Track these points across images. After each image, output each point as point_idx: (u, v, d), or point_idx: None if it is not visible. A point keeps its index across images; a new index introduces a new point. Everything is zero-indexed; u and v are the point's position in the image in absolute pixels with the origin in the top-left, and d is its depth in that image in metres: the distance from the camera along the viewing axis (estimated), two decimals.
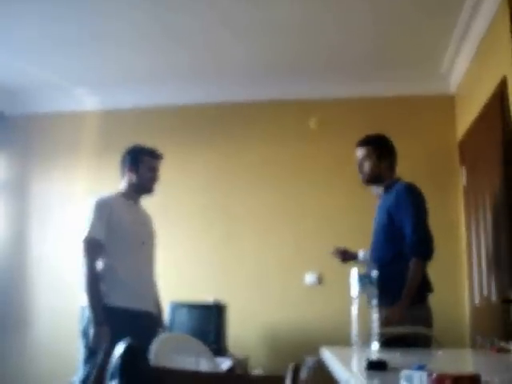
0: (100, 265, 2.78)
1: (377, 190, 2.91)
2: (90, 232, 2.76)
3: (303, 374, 1.12)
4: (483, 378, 1.00)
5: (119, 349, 1.51)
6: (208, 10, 3.37)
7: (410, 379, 0.95)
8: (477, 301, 3.47)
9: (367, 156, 2.83)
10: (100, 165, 4.45)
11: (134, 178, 2.96)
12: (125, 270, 2.78)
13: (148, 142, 4.38)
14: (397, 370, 1.26)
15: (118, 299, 2.71)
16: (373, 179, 2.85)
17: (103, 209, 2.82)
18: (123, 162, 3.01)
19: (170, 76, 4.28)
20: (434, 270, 3.88)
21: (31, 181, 4.61)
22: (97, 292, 2.68)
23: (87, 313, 2.67)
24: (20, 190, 4.59)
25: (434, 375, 0.90)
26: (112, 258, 2.79)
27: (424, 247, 2.63)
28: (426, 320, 2.61)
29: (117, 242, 2.80)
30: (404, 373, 0.97)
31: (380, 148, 2.85)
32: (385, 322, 2.29)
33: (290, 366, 1.26)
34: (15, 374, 4.14)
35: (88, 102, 4.58)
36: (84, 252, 2.74)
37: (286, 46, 3.82)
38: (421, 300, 2.67)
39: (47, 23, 3.52)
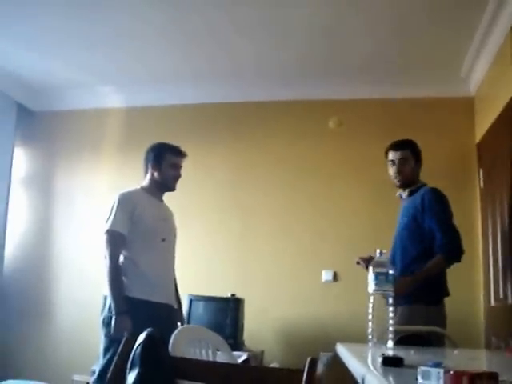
0: (122, 258, 2.84)
1: (402, 193, 2.95)
2: (113, 225, 2.82)
3: (319, 369, 1.14)
4: (501, 377, 1.03)
5: (140, 338, 1.56)
6: (229, 11, 3.42)
7: (427, 375, 0.97)
8: (492, 302, 3.48)
9: (406, 159, 2.92)
10: (123, 160, 4.55)
11: (156, 174, 3.00)
12: (145, 265, 2.83)
13: (169, 138, 4.45)
14: (412, 366, 1.30)
15: (139, 291, 2.77)
16: (408, 182, 2.94)
17: (126, 203, 2.88)
18: (147, 158, 3.05)
19: (192, 75, 4.34)
20: (450, 271, 3.90)
21: (55, 175, 4.72)
22: (118, 283, 2.74)
23: (109, 302, 2.74)
24: (45, 184, 4.71)
25: (452, 372, 0.93)
26: (133, 252, 2.85)
27: (454, 247, 2.69)
28: (440, 322, 2.64)
29: (138, 237, 2.85)
30: (421, 369, 1.00)
31: (416, 152, 2.96)
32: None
33: (308, 360, 1.30)
34: (37, 362, 4.24)
35: (112, 99, 4.67)
36: (107, 244, 2.81)
37: (309, 47, 3.85)
38: (437, 302, 2.71)
39: (73, 23, 3.60)
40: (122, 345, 1.65)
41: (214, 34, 3.71)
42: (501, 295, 3.28)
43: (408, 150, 2.92)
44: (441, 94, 4.09)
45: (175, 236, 3.08)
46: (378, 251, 2.11)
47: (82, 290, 4.30)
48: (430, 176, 3.99)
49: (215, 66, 4.20)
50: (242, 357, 3.35)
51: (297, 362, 2.70)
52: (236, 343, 3.51)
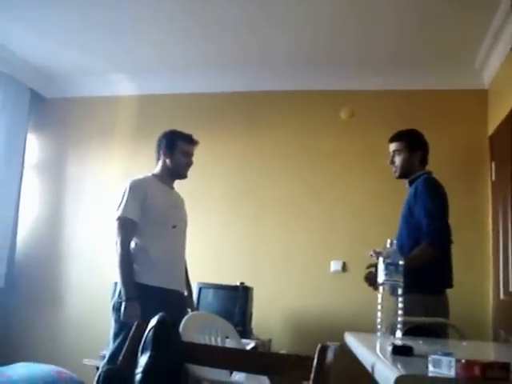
0: (132, 244, 2.86)
1: (406, 184, 2.95)
2: (124, 211, 2.84)
3: (329, 357, 1.15)
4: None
5: (152, 322, 1.58)
6: (242, 0, 3.40)
7: (438, 364, 0.99)
8: (502, 295, 3.48)
9: (399, 150, 2.91)
10: (134, 148, 4.58)
11: (168, 161, 3.02)
12: (156, 251, 2.85)
13: (180, 127, 4.47)
14: (422, 355, 1.32)
15: (150, 278, 2.79)
16: (404, 173, 2.92)
17: (138, 190, 2.89)
18: (159, 145, 3.07)
19: (204, 64, 4.33)
20: (460, 263, 3.90)
21: (67, 162, 4.75)
22: (129, 269, 2.76)
23: (119, 289, 2.77)
24: (56, 171, 4.74)
25: (463, 361, 0.94)
26: (144, 239, 2.87)
27: (438, 237, 2.64)
28: (441, 312, 2.63)
29: (149, 224, 2.87)
30: (432, 357, 1.01)
31: (411, 142, 2.91)
32: (370, 280, 2.66)
33: (318, 347, 1.32)
34: (48, 346, 4.29)
35: (124, 87, 4.68)
36: (118, 230, 2.82)
37: (322, 38, 3.83)
38: (437, 291, 2.71)
39: (86, 10, 3.60)
40: (133, 329, 1.67)
41: (227, 23, 3.70)
42: (510, 289, 3.27)
43: (402, 141, 2.91)
44: (454, 86, 4.06)
45: (186, 223, 3.10)
46: (388, 241, 2.12)
47: (92, 276, 4.35)
48: (441, 168, 4.00)
49: (228, 55, 4.19)
50: (249, 344, 3.37)
51: (304, 351, 2.72)
52: (244, 331, 3.53)
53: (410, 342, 1.85)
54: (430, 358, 1.02)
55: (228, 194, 4.37)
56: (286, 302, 4.07)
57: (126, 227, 2.83)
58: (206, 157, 3.97)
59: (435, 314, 2.55)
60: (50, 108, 4.82)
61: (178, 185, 3.17)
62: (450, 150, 4.03)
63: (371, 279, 2.70)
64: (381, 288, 2.08)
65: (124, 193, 2.89)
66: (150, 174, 3.06)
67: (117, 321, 2.76)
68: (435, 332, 2.51)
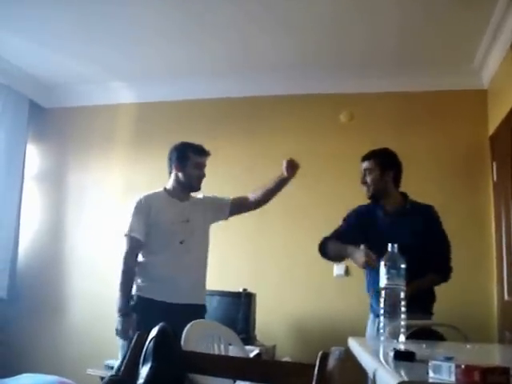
0: (140, 259, 2.88)
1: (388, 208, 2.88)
2: (129, 230, 2.86)
3: (331, 363, 1.14)
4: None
5: (153, 332, 1.57)
6: (243, 5, 3.40)
7: (438, 370, 0.98)
8: (506, 296, 3.46)
9: (370, 169, 2.85)
10: (135, 156, 4.60)
11: (181, 175, 2.98)
12: (160, 267, 2.85)
13: (181, 133, 4.48)
14: (424, 360, 1.30)
15: (153, 292, 2.80)
16: (376, 193, 2.86)
17: (142, 207, 2.90)
18: (170, 158, 3.03)
19: (205, 70, 4.33)
20: (463, 265, 3.89)
21: (67, 172, 4.75)
22: (127, 286, 2.79)
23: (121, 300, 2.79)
24: (57, 181, 4.75)
25: (463, 366, 0.93)
26: (149, 254, 2.88)
27: (450, 275, 2.77)
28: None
29: (155, 240, 2.87)
30: (432, 363, 1.00)
31: (383, 161, 2.86)
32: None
33: (319, 354, 1.31)
34: (52, 356, 4.29)
35: (123, 94, 4.68)
36: (125, 247, 2.85)
37: (322, 42, 3.83)
38: (428, 311, 2.77)
39: (83, 19, 3.60)
40: (134, 339, 1.66)
41: (227, 28, 3.70)
42: None
43: (372, 160, 2.85)
44: (453, 87, 4.05)
45: (201, 234, 3.04)
46: (389, 245, 2.10)
47: (95, 285, 4.33)
48: (443, 168, 4.02)
49: (227, 61, 4.19)
50: (253, 351, 3.35)
51: (309, 357, 2.70)
52: (248, 338, 3.52)
53: (413, 347, 1.84)
54: (430, 364, 1.01)
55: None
56: (290, 307, 4.05)
57: (131, 245, 2.85)
58: (208, 162, 3.97)
59: None
60: (49, 118, 4.83)
61: None
62: (451, 151, 4.02)
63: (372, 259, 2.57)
64: (383, 293, 2.07)
65: (131, 210, 2.92)
66: (161, 189, 3.04)
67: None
68: (439, 335, 2.51)
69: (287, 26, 3.64)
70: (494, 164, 3.80)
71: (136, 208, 2.90)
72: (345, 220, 3.03)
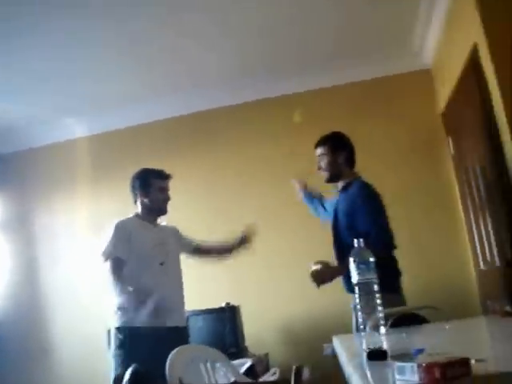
0: (121, 287, 2.86)
1: (339, 186, 2.96)
2: (111, 252, 2.86)
3: (305, 375, 1.15)
4: (480, 355, 1.05)
5: (126, 375, 1.56)
6: (176, 25, 3.42)
7: (402, 371, 0.99)
8: (482, 266, 3.51)
9: (323, 154, 2.93)
10: (98, 187, 4.58)
11: (146, 200, 3.03)
12: (143, 290, 2.84)
13: (139, 158, 4.47)
14: (397, 357, 1.32)
15: (139, 320, 2.79)
16: (332, 176, 2.93)
17: (123, 230, 2.93)
18: (133, 186, 3.07)
19: (152, 92, 4.32)
20: (435, 239, 3.96)
21: (34, 215, 4.70)
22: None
23: (115, 335, 2.78)
24: (25, 226, 4.69)
25: (424, 365, 0.94)
26: (133, 280, 2.86)
27: (384, 249, 2.64)
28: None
29: (135, 264, 2.87)
30: (396, 365, 1.01)
31: (334, 144, 2.93)
32: (315, 277, 2.75)
33: (293, 369, 1.31)
34: None
35: (77, 129, 4.65)
36: (110, 271, 2.84)
37: (263, 46, 3.86)
38: (393, 290, 2.73)
39: (24, 60, 3.55)
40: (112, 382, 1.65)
41: (167, 49, 3.70)
42: (488, 258, 3.31)
43: (325, 145, 2.93)
44: (399, 71, 4.12)
45: (175, 256, 3.08)
46: (355, 241, 2.11)
47: (79, 323, 4.28)
48: (402, 152, 4.07)
49: (174, 80, 4.19)
50: (246, 364, 3.35)
51: (302, 357, 2.70)
52: (239, 351, 3.52)
53: (393, 337, 1.87)
54: (395, 366, 1.01)
55: (199, 216, 4.34)
56: (275, 313, 4.05)
57: (115, 266, 2.84)
58: (170, 183, 3.96)
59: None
60: (7, 164, 4.74)
61: None
62: (407, 132, 4.09)
63: (318, 276, 2.76)
64: (356, 288, 2.09)
65: (110, 234, 2.91)
66: (132, 215, 3.07)
67: (116, 369, 2.73)
68: (421, 318, 2.53)
69: (226, 36, 3.66)
70: (450, 139, 3.87)
71: (117, 231, 2.91)
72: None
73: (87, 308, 4.24)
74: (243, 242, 3.22)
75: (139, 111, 4.49)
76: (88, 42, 3.45)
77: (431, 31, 3.72)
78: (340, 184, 2.94)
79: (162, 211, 3.08)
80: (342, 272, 2.74)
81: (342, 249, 2.82)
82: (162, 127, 4.53)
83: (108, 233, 2.92)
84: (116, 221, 2.99)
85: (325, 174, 2.94)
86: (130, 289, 2.85)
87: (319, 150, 2.95)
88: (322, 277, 2.76)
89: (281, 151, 4.28)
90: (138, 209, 3.07)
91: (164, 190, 3.06)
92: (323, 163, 2.92)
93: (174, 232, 3.19)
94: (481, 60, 2.90)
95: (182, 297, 3.07)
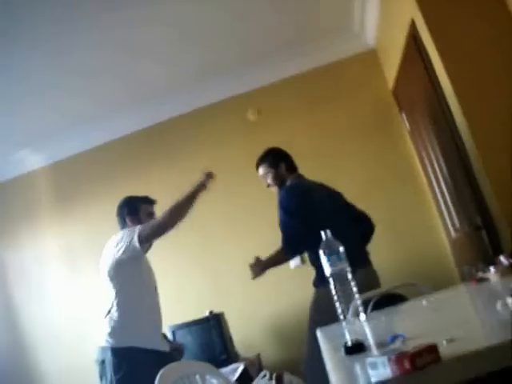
0: (118, 305, 2.80)
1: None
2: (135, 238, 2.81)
3: (286, 380, 1.15)
4: (452, 333, 1.06)
5: None
6: (114, 43, 3.40)
7: (374, 366, 0.99)
8: (453, 234, 3.56)
9: (266, 173, 3.10)
10: (62, 217, 4.50)
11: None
12: (146, 313, 2.84)
13: (103, 181, 4.40)
14: (375, 346, 1.33)
15: (145, 341, 2.76)
16: (280, 185, 3.09)
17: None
18: (121, 214, 3.04)
19: (102, 111, 4.26)
20: (404, 215, 4.00)
21: (4, 253, 4.58)
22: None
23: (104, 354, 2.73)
24: None
25: (393, 358, 0.94)
26: (132, 300, 2.83)
27: (286, 250, 2.98)
28: (370, 285, 2.67)
29: (136, 286, 2.85)
30: (368, 360, 1.01)
31: (272, 161, 3.10)
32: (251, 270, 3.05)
33: (274, 377, 1.30)
34: None
35: (33, 160, 4.57)
36: (154, 229, 2.85)
37: (207, 49, 3.84)
38: (366, 263, 2.92)
39: None
40: None
41: (114, 65, 3.66)
42: (457, 225, 3.36)
43: (265, 164, 3.10)
44: (343, 55, 4.16)
45: None
46: (322, 233, 2.12)
47: (65, 357, 4.21)
48: (359, 133, 4.11)
49: (123, 97, 4.15)
50: (239, 368, 3.35)
51: (295, 353, 2.68)
52: (229, 357, 3.50)
53: (373, 322, 1.88)
54: (367, 362, 1.02)
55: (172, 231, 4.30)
56: (261, 312, 4.06)
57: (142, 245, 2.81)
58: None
59: (375, 281, 2.87)
60: None
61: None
62: (362, 115, 4.12)
63: (256, 266, 3.06)
64: (331, 280, 2.10)
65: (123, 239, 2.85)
66: None
67: None
68: (400, 296, 2.56)
69: (165, 45, 3.63)
70: (403, 114, 3.91)
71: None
72: None
73: (69, 343, 4.18)
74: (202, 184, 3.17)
75: (92, 133, 4.43)
76: (25, 66, 3.37)
77: (369, 11, 3.76)
78: None
79: None
80: (272, 262, 3.09)
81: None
82: (119, 146, 4.47)
83: (122, 243, 2.85)
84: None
85: (274, 189, 3.09)
86: (124, 307, 2.81)
87: (261, 171, 3.12)
88: (253, 269, 3.06)
89: (238, 152, 4.25)
90: None
91: (152, 215, 3.06)
92: (269, 180, 3.09)
93: None
94: (420, 34, 2.93)
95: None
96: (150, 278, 2.98)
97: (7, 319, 4.48)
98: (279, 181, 3.06)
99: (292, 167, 3.11)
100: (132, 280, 2.85)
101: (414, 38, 3.06)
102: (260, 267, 3.06)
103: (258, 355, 3.81)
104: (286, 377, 1.37)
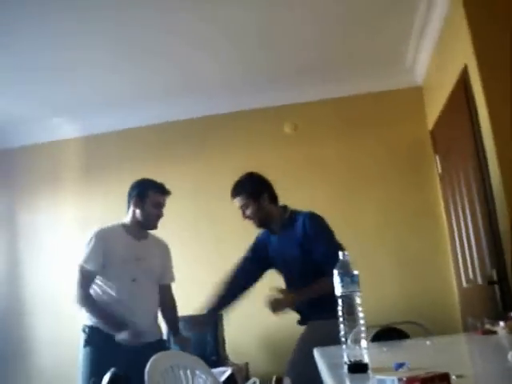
0: (93, 292, 2.83)
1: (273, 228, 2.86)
2: (83, 261, 2.81)
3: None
4: (460, 370, 1.06)
5: (105, 378, 1.55)
6: (179, 28, 3.41)
7: None
8: (464, 284, 3.54)
9: (245, 204, 2.80)
10: (84, 190, 4.54)
11: (138, 212, 2.92)
12: (115, 305, 2.80)
13: (129, 162, 4.45)
14: (378, 369, 1.33)
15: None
16: (263, 221, 2.83)
17: (99, 241, 2.84)
18: (129, 194, 2.97)
19: (145, 96, 4.31)
20: (419, 258, 3.98)
21: (17, 213, 4.64)
22: (97, 306, 2.76)
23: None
24: (7, 224, 4.62)
25: (405, 379, 0.95)
26: (104, 292, 2.83)
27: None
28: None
29: (109, 277, 2.82)
30: (376, 378, 1.02)
31: (252, 191, 2.80)
32: (273, 305, 2.61)
33: (273, 379, 1.31)
34: None
35: (66, 130, 4.61)
36: (77, 279, 2.80)
37: (258, 57, 3.88)
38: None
39: (15, 59, 3.52)
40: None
41: (165, 53, 3.69)
42: (471, 276, 3.34)
43: (244, 195, 2.80)
44: (389, 87, 4.17)
45: (152, 273, 2.98)
46: (340, 253, 2.12)
47: (60, 327, 4.23)
48: (388, 166, 4.11)
49: (168, 85, 4.19)
50: (226, 372, 3.34)
51: (283, 369, 2.68)
52: (219, 359, 3.50)
53: (374, 351, 1.87)
54: (374, 379, 1.02)
55: (185, 222, 4.33)
56: (258, 321, 4.03)
57: (84, 277, 2.80)
58: None
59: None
60: None
61: None
62: (396, 149, 4.13)
63: (275, 304, 2.64)
64: (340, 301, 2.09)
65: (87, 242, 2.85)
66: (119, 223, 2.97)
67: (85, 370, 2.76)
68: (402, 333, 2.55)
69: (225, 45, 3.67)
70: (437, 157, 3.91)
71: (94, 241, 2.84)
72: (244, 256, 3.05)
73: (66, 310, 4.19)
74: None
75: (130, 115, 4.48)
76: (83, 41, 3.42)
77: (423, 49, 3.78)
78: (275, 226, 2.84)
79: (151, 227, 2.98)
80: (294, 302, 2.70)
81: (293, 280, 2.78)
82: (152, 132, 4.52)
83: (87, 240, 2.85)
84: (96, 229, 2.90)
85: (254, 222, 2.82)
86: (96, 297, 2.82)
87: (238, 201, 2.81)
88: (278, 305, 2.66)
89: (268, 161, 4.27)
90: (128, 218, 2.96)
91: (159, 206, 2.94)
92: (249, 212, 2.79)
93: (160, 249, 3.09)
94: (470, 81, 2.94)
95: (155, 313, 3.01)
96: (125, 270, 2.85)
97: (10, 282, 4.50)
98: (261, 215, 2.77)
99: (274, 197, 2.85)
100: (102, 273, 2.83)
101: (463, 83, 3.06)
102: (285, 304, 2.68)
103: (247, 364, 3.80)
104: (286, 381, 1.36)
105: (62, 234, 4.48)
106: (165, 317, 3.11)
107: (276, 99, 4.32)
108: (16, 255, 4.56)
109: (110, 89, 4.16)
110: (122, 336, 2.73)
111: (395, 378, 0.96)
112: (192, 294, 4.06)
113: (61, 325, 4.25)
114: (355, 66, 4.09)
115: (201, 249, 4.28)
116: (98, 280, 2.85)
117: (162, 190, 2.96)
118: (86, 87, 4.09)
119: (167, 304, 3.12)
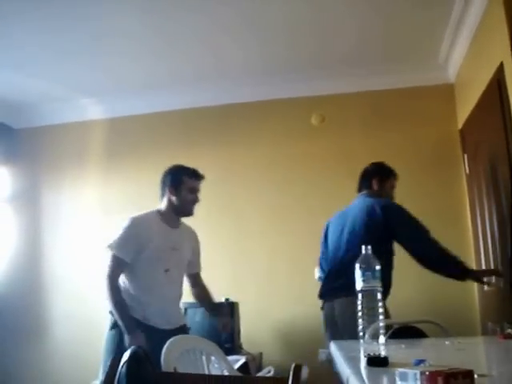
0: (123, 283, 2.82)
1: None
2: (116, 249, 2.78)
3: (304, 374, 1.14)
4: (482, 370, 1.03)
5: (125, 356, 1.55)
6: (209, 14, 3.40)
7: (404, 377, 0.97)
8: (485, 286, 3.47)
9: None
10: (108, 172, 4.57)
11: (174, 199, 2.90)
12: (144, 294, 2.80)
13: (154, 146, 4.47)
14: (398, 364, 1.30)
15: (137, 314, 2.76)
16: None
17: (135, 229, 2.82)
18: (164, 181, 2.95)
19: (173, 80, 4.31)
20: None
21: (41, 192, 4.68)
22: (121, 303, 2.72)
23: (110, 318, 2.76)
24: (30, 202, 4.67)
25: (427, 373, 0.92)
26: (134, 279, 2.82)
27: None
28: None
29: (140, 266, 2.80)
30: (399, 371, 0.99)
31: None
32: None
33: (292, 367, 1.30)
34: (36, 382, 4.22)
35: (92, 111, 4.64)
36: (109, 265, 2.77)
37: (288, 46, 3.84)
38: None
39: (46, 36, 3.55)
40: (109, 364, 1.64)
41: (194, 38, 3.68)
42: (492, 279, 3.28)
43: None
44: (421, 83, 4.10)
45: (182, 263, 2.99)
46: (363, 247, 2.10)
47: (76, 307, 4.27)
48: (414, 163, 4.05)
49: (196, 71, 4.18)
50: (240, 361, 3.34)
51: (296, 361, 2.67)
52: (233, 347, 3.50)
53: (392, 348, 1.85)
54: (396, 372, 1.00)
55: (207, 209, 4.29)
56: (274, 313, 4.04)
57: (116, 265, 2.77)
58: None
59: None
60: (19, 139, 4.75)
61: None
62: (424, 145, 4.07)
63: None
64: (359, 295, 2.07)
65: (122, 230, 2.82)
66: (154, 210, 2.94)
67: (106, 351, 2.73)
68: (420, 332, 2.51)
69: (254, 32, 3.65)
70: (466, 156, 3.84)
71: (129, 229, 2.81)
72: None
73: (84, 290, 4.24)
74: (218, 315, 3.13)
75: (158, 99, 4.48)
76: (114, 21, 3.43)
77: (458, 46, 3.70)
78: None
79: (188, 212, 2.96)
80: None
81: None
82: (179, 117, 4.52)
83: (122, 226, 2.82)
84: (132, 216, 2.86)
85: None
86: (126, 285, 2.82)
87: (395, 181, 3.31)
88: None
89: (293, 152, 4.27)
90: (163, 205, 2.93)
91: (195, 191, 2.92)
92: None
93: (191, 238, 3.10)
94: (506, 79, 2.87)
95: (179, 302, 3.04)
96: (160, 261, 2.85)
97: (31, 259, 4.54)
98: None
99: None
100: (135, 262, 2.81)
101: (497, 82, 2.99)
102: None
103: (261, 354, 3.79)
104: (304, 370, 1.35)
105: (84, 215, 4.52)
106: (205, 302, 3.16)
107: (305, 90, 4.29)
108: (37, 233, 4.61)
109: (138, 72, 4.18)
110: (152, 321, 2.75)
111: (418, 372, 0.94)
112: (209, 284, 4.08)
113: (75, 303, 4.31)
114: (389, 59, 4.03)
115: (221, 240, 4.26)
116: (129, 267, 2.83)
117: (196, 175, 2.95)
118: (114, 70, 4.11)
119: (205, 290, 3.16)
